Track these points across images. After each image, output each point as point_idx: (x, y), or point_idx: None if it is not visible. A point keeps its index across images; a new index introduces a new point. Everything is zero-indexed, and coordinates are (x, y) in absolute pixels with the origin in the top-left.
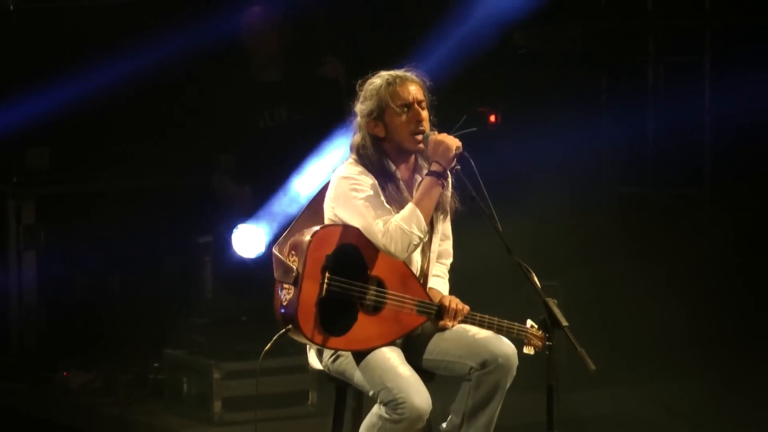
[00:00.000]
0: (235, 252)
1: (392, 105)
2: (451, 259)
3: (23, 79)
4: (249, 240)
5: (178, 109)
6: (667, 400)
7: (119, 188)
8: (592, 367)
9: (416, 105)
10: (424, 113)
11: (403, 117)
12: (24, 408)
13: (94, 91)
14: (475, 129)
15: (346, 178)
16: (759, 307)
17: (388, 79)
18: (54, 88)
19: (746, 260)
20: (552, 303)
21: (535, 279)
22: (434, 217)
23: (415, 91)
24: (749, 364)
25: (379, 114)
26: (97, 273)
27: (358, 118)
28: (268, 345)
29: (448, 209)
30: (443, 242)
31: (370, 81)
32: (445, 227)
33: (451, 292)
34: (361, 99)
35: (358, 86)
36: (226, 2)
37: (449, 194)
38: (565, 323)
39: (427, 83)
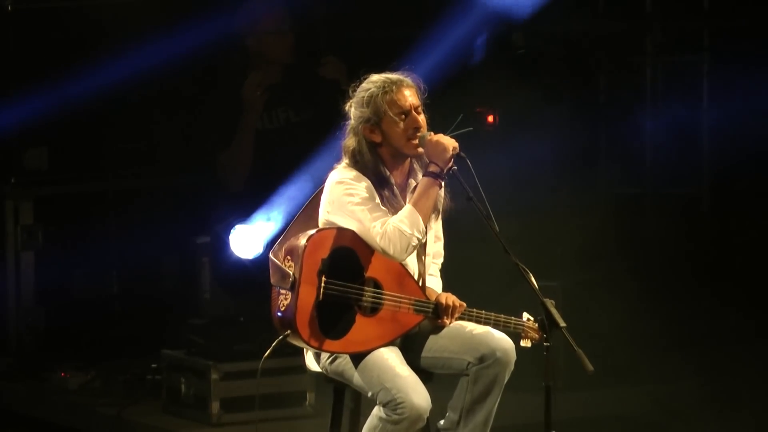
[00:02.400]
0: (232, 252)
1: (390, 113)
2: (442, 260)
3: (21, 79)
4: (247, 241)
5: (177, 110)
6: (666, 400)
7: (117, 189)
8: (590, 367)
9: (413, 111)
10: (421, 118)
11: (401, 125)
12: (22, 408)
13: (92, 92)
14: (472, 128)
15: (340, 183)
16: (758, 307)
17: (384, 87)
18: (52, 88)
19: (745, 260)
20: (550, 304)
21: (533, 280)
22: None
23: (410, 96)
24: (749, 364)
25: (376, 121)
26: (95, 273)
27: (353, 122)
28: (268, 351)
29: (440, 209)
30: (435, 243)
31: (363, 87)
32: (437, 228)
33: (445, 290)
34: (355, 104)
35: (351, 90)
36: (226, 3)
37: (441, 194)
38: (563, 324)
39: (421, 85)
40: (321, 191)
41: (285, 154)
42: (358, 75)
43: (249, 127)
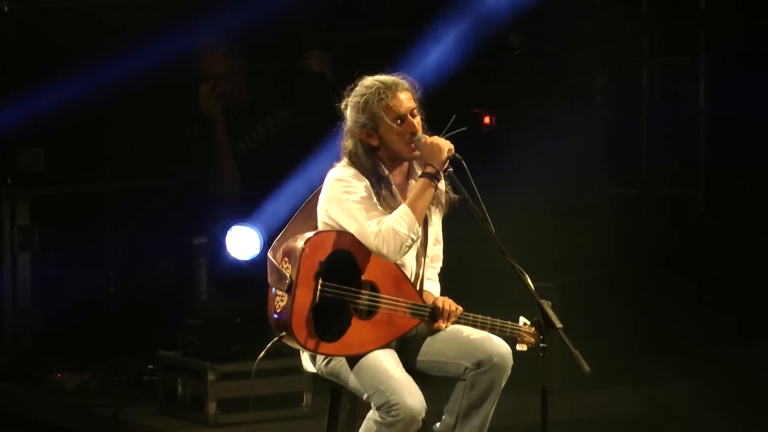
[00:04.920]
0: (229, 253)
1: (386, 119)
2: (441, 264)
3: (18, 80)
4: (243, 242)
5: (173, 111)
6: (663, 401)
7: (114, 189)
8: (587, 368)
9: (409, 116)
10: (417, 121)
11: (398, 129)
12: (19, 409)
13: (89, 93)
14: (465, 128)
15: (339, 180)
16: (755, 308)
17: (378, 93)
18: (49, 89)
19: (741, 260)
20: (546, 305)
21: (529, 281)
22: (429, 212)
23: (406, 100)
24: (746, 364)
25: (372, 127)
26: (91, 274)
27: (349, 124)
28: (263, 353)
29: (443, 202)
30: (435, 246)
31: (358, 92)
32: (437, 230)
33: (443, 294)
34: (351, 108)
35: (346, 92)
36: (221, 3)
37: (443, 189)
38: (559, 325)
39: (416, 86)
40: (319, 191)
41: (274, 167)
42: (352, 76)
43: (221, 138)
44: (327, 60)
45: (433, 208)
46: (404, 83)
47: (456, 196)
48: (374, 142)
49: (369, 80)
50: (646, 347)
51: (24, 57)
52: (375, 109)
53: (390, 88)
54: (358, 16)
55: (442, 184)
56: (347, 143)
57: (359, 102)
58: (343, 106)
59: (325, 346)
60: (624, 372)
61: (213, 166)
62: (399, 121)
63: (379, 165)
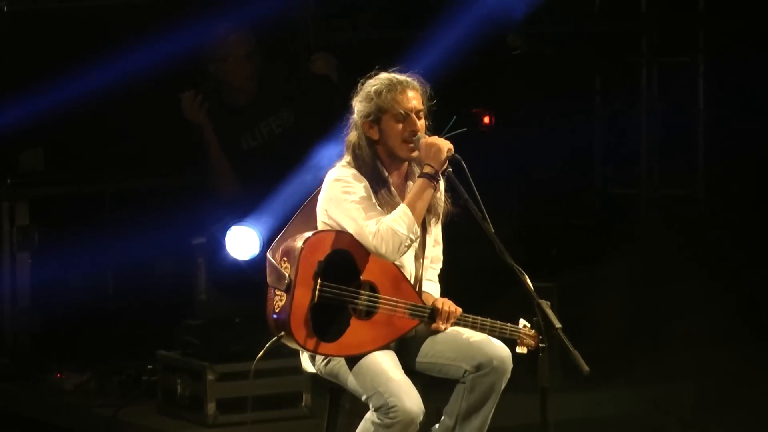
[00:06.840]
0: (228, 253)
1: (390, 111)
2: (441, 265)
3: (17, 80)
4: (242, 242)
5: (173, 110)
6: (662, 401)
7: (113, 189)
8: (586, 368)
9: (413, 115)
10: (421, 123)
11: (399, 125)
12: (18, 409)
13: (88, 93)
14: (466, 129)
15: (338, 180)
16: (754, 308)
17: (389, 85)
18: (48, 89)
19: (741, 261)
20: (545, 305)
21: (528, 281)
22: (426, 220)
23: (414, 99)
24: (745, 365)
25: (375, 117)
26: (90, 274)
27: (355, 116)
28: (261, 352)
29: (440, 213)
30: (434, 247)
31: (370, 83)
32: (436, 232)
33: (443, 295)
34: (360, 98)
35: (360, 84)
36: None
37: (442, 198)
38: (558, 325)
39: (428, 91)
40: (320, 190)
41: (275, 167)
42: (363, 74)
43: (213, 145)
44: (333, 63)
45: (430, 217)
46: (416, 84)
47: (455, 209)
48: (375, 135)
49: (383, 75)
50: (645, 347)
51: (24, 57)
52: (382, 101)
53: (402, 83)
54: (358, 16)
55: (441, 194)
56: (351, 136)
57: (369, 92)
58: (353, 101)
59: (324, 346)
60: (624, 372)
61: (208, 169)
62: (402, 116)
63: (378, 162)
